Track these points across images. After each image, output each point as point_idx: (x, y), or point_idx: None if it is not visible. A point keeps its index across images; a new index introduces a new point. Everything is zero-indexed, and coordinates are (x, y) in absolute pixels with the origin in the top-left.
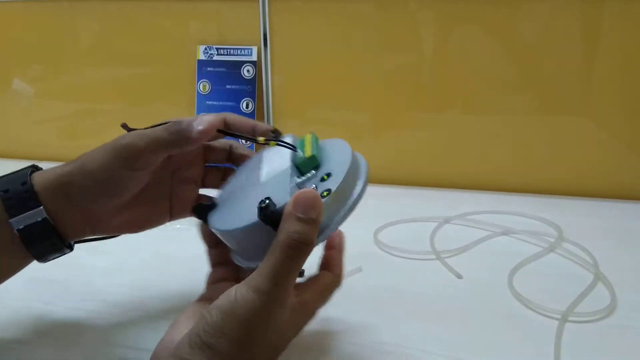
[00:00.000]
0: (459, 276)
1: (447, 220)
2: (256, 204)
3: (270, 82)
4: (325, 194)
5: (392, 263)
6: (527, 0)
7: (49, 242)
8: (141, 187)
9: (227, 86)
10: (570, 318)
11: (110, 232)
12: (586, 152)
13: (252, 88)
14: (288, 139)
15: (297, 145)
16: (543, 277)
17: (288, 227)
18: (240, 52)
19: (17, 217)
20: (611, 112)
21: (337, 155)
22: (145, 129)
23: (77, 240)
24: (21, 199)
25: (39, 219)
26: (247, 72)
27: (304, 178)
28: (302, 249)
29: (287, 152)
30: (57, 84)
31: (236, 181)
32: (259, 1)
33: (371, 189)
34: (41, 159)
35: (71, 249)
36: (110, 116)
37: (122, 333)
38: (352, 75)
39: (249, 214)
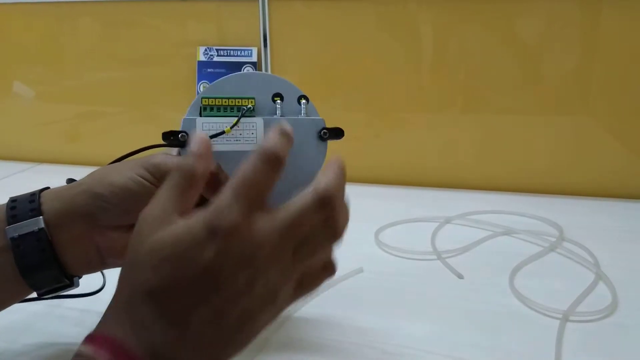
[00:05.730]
0: (460, 276)
1: (447, 220)
2: (296, 171)
3: None
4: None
5: (393, 263)
6: (527, 0)
7: (45, 266)
8: None
9: None
10: (572, 317)
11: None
12: (586, 152)
13: None
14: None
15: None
16: (544, 276)
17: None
18: (240, 53)
19: (14, 224)
20: (611, 112)
21: (249, 83)
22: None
23: (79, 272)
24: (24, 209)
25: (36, 229)
26: None
27: (279, 111)
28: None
29: (256, 120)
30: (58, 86)
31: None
32: (259, 2)
33: (371, 189)
34: (42, 162)
35: (71, 282)
36: (111, 118)
37: None
38: (352, 76)
39: (306, 173)
